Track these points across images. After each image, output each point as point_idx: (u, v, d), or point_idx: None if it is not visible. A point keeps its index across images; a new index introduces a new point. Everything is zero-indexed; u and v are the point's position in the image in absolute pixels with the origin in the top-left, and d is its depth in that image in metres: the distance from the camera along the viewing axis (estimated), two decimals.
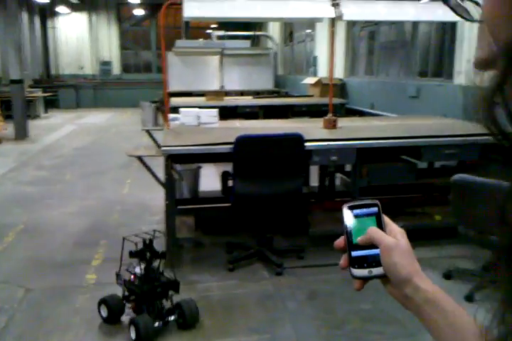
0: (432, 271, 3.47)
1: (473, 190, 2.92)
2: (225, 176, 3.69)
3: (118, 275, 2.77)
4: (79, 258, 3.75)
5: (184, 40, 11.92)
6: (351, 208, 0.68)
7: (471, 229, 3.07)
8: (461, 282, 3.26)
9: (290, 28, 13.22)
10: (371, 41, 8.08)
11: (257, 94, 10.35)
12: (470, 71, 4.99)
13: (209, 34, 14.62)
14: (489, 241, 2.99)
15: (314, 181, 4.70)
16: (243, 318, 2.86)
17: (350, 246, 0.66)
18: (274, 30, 14.33)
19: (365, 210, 0.67)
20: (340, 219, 0.68)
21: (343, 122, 4.31)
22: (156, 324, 2.61)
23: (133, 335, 2.58)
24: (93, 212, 4.92)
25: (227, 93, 9.34)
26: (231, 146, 3.36)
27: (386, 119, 5.43)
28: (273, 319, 2.84)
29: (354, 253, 0.65)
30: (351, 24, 8.40)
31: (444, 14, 3.83)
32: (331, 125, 4.13)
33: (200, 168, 4.55)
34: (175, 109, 6.06)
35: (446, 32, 5.78)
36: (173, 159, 3.50)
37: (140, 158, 3.52)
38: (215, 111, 4.34)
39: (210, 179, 5.52)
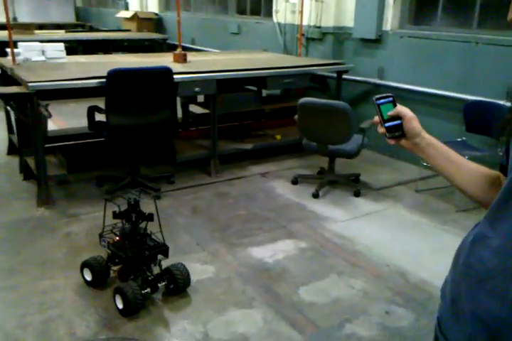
0: (281, 179, 4.25)
1: (315, 109, 3.66)
2: (91, 111, 3.76)
3: (101, 236, 2.54)
4: None
5: None
6: (379, 99, 1.16)
7: (313, 142, 3.88)
8: (305, 185, 4.11)
9: None
10: None
11: (59, 27, 9.63)
12: (287, 10, 5.70)
13: None
14: (327, 149, 3.85)
15: None
16: None
17: (383, 121, 1.15)
18: None
19: (386, 99, 1.16)
20: (374, 107, 1.15)
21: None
22: (144, 291, 2.39)
23: (120, 305, 2.33)
24: None
25: None
26: (101, 80, 3.45)
27: (218, 54, 5.88)
28: (170, 232, 3.23)
29: (386, 124, 1.15)
30: None
31: None
32: (182, 59, 4.42)
33: (48, 104, 4.38)
34: None
35: None
36: (38, 96, 3.44)
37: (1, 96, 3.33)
38: (61, 45, 4.21)
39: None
